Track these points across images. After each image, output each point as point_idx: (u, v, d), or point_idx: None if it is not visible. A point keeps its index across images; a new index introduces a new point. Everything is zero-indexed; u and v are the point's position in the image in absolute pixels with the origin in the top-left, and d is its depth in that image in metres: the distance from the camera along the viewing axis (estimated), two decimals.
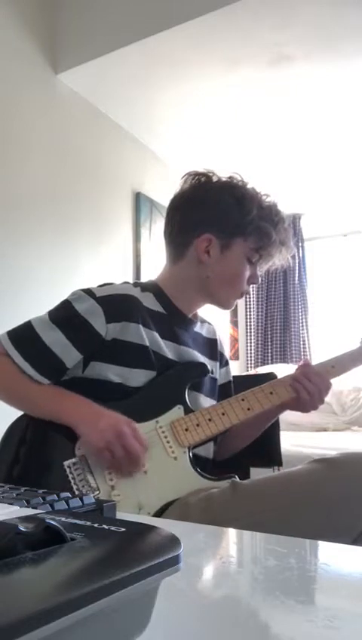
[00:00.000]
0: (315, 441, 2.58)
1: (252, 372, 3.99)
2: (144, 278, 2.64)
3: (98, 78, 2.35)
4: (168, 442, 0.93)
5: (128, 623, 0.22)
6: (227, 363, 1.20)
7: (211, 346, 1.14)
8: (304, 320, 4.14)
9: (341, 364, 1.09)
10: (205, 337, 1.14)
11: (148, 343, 0.96)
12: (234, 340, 4.24)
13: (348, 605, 0.33)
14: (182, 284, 1.06)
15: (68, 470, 0.87)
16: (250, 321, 4.35)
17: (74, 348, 0.93)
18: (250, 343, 4.33)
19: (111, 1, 2.19)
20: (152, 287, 1.05)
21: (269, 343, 4.27)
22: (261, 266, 1.08)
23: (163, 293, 1.05)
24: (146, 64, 2.26)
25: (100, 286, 1.03)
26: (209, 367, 1.04)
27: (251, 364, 4.28)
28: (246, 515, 0.80)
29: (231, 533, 0.53)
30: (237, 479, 0.92)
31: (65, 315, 0.96)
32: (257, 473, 1.21)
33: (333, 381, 1.08)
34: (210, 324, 1.18)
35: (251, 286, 1.08)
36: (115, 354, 0.95)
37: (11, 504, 0.36)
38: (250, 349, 4.32)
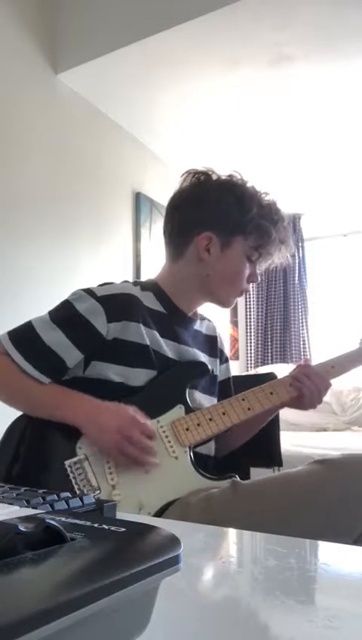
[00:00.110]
0: (315, 441, 2.58)
1: (252, 372, 3.99)
2: (144, 278, 2.65)
3: (98, 78, 2.35)
4: (169, 442, 0.94)
5: (128, 623, 0.22)
6: (227, 360, 1.20)
7: (211, 343, 1.14)
8: (304, 320, 4.14)
9: (340, 365, 1.09)
10: (205, 334, 1.14)
11: (148, 342, 0.96)
12: (234, 340, 4.24)
13: (348, 605, 0.33)
14: (181, 283, 1.06)
15: (69, 469, 0.87)
16: (250, 321, 4.35)
17: (75, 347, 0.93)
18: (250, 343, 4.33)
19: (111, 1, 2.19)
20: (152, 286, 1.05)
21: (269, 343, 4.27)
22: (260, 264, 1.08)
23: (163, 292, 1.05)
24: (146, 64, 2.26)
25: (100, 285, 1.03)
26: (209, 364, 1.05)
27: (251, 364, 4.28)
28: (247, 515, 0.80)
29: (231, 533, 0.53)
30: (238, 479, 0.92)
31: (66, 315, 0.96)
32: (257, 473, 1.21)
33: (333, 381, 1.08)
34: (209, 320, 1.18)
35: (251, 284, 1.08)
36: (116, 353, 0.95)
37: (11, 504, 0.36)
38: (250, 349, 4.32)
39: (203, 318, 1.16)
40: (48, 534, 0.23)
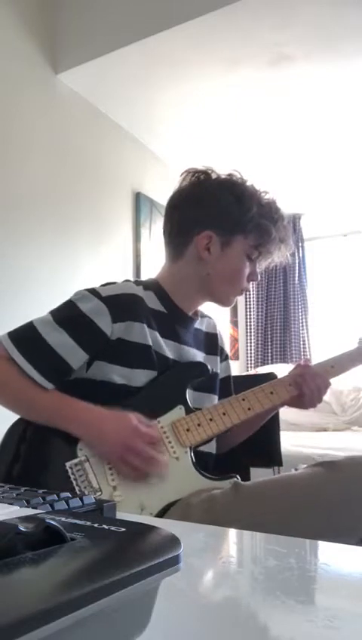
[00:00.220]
0: (315, 441, 2.58)
1: (252, 372, 3.99)
2: (144, 278, 2.64)
3: (98, 78, 2.35)
4: (170, 442, 0.93)
5: (128, 623, 0.22)
6: (227, 357, 1.20)
7: (211, 341, 1.14)
8: (304, 320, 4.14)
9: (340, 364, 1.09)
10: (205, 332, 1.14)
11: (151, 343, 0.96)
12: (234, 340, 4.24)
13: (348, 605, 0.33)
14: (182, 283, 1.05)
15: (70, 471, 0.87)
16: (250, 321, 4.35)
17: (80, 348, 0.92)
18: (250, 343, 4.33)
19: (111, 1, 2.19)
20: (153, 286, 1.05)
21: (269, 343, 4.27)
22: (260, 263, 1.08)
23: (164, 291, 1.05)
24: (146, 64, 2.26)
25: (103, 285, 1.02)
26: (209, 362, 1.05)
27: (251, 364, 4.28)
28: (248, 516, 0.80)
29: (231, 533, 0.53)
30: (239, 480, 0.92)
31: (69, 316, 0.95)
32: (257, 473, 1.21)
33: (333, 381, 1.08)
34: (210, 318, 1.18)
35: (251, 283, 1.08)
36: (119, 354, 0.94)
37: (11, 504, 0.36)
38: (250, 349, 4.32)
39: (203, 316, 1.16)
40: (48, 534, 0.23)
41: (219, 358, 1.15)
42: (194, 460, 0.94)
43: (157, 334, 0.99)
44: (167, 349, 1.00)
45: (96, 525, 0.26)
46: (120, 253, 2.74)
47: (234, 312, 4.22)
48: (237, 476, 0.94)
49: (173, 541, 0.24)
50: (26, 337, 0.93)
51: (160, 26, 2.05)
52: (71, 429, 0.89)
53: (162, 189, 2.98)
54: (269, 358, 4.25)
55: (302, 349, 4.11)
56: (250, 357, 4.31)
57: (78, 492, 0.85)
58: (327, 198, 3.71)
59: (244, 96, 2.52)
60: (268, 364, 4.16)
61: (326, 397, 1.08)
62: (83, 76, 2.33)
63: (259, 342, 4.31)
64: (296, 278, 4.18)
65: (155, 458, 0.87)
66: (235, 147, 2.96)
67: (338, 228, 4.16)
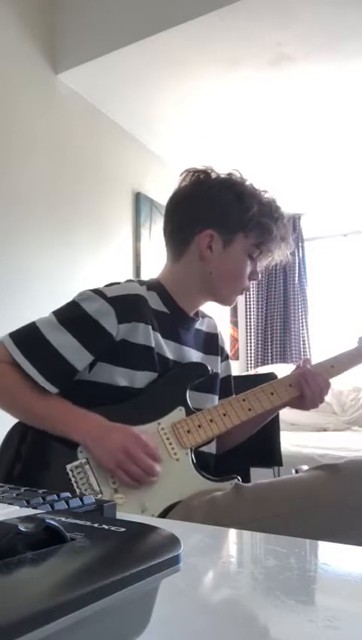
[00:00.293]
0: (315, 441, 2.58)
1: (252, 372, 3.99)
2: (144, 278, 2.65)
3: (98, 78, 2.35)
4: (170, 444, 0.93)
5: (128, 623, 0.22)
6: (227, 357, 1.20)
7: (212, 341, 1.14)
8: (304, 320, 4.14)
9: (340, 364, 1.09)
10: (205, 332, 1.14)
11: (154, 345, 0.96)
12: (234, 340, 4.24)
13: (348, 605, 0.33)
14: (183, 282, 1.05)
15: (70, 473, 0.87)
16: (250, 321, 4.35)
17: (85, 350, 0.91)
18: (250, 343, 4.33)
19: (111, 2, 2.19)
20: (156, 286, 1.04)
21: (269, 343, 4.27)
22: (261, 261, 1.08)
23: (166, 292, 1.05)
24: (146, 64, 2.26)
25: (107, 286, 1.01)
26: (209, 363, 1.04)
27: (251, 364, 4.28)
28: (249, 519, 0.80)
29: (231, 533, 0.53)
30: (240, 481, 0.92)
31: (73, 316, 0.94)
32: (257, 473, 1.21)
33: (333, 381, 1.08)
34: (210, 317, 1.18)
35: (251, 282, 1.08)
36: (122, 355, 0.94)
37: (11, 504, 0.36)
38: (250, 349, 4.32)
39: (204, 316, 1.15)
40: (48, 534, 0.23)
41: (219, 358, 1.15)
42: (195, 461, 0.94)
43: (159, 335, 0.99)
44: (168, 349, 1.00)
45: (96, 525, 0.26)
46: (120, 253, 2.74)
47: (234, 312, 4.22)
48: (238, 477, 0.93)
49: (173, 541, 0.24)
50: (29, 339, 0.92)
51: (160, 26, 2.05)
52: (72, 436, 0.88)
53: (162, 189, 2.98)
54: (269, 358, 4.25)
55: (302, 349, 4.11)
56: (250, 357, 4.31)
57: (78, 494, 0.85)
58: (327, 198, 3.71)
59: (244, 96, 2.52)
60: (268, 364, 4.16)
61: (327, 397, 1.08)
62: (83, 76, 2.33)
63: (259, 342, 4.31)
64: (296, 278, 4.18)
65: (153, 468, 0.86)
66: (235, 147, 2.96)
67: (338, 228, 4.16)
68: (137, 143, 2.92)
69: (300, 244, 4.13)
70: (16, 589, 0.18)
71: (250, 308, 4.35)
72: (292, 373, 1.07)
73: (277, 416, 1.20)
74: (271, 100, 2.55)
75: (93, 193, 2.54)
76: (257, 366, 4.20)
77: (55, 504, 0.39)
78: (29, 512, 0.32)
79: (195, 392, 1.02)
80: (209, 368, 1.02)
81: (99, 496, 0.85)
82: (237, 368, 4.17)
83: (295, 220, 4.00)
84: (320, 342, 4.10)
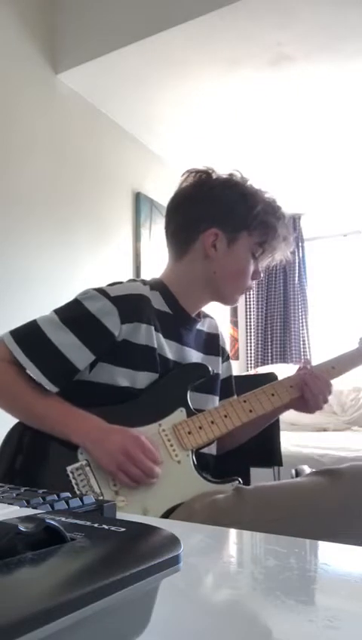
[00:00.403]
0: (315, 441, 2.58)
1: (252, 372, 3.99)
2: (146, 278, 2.65)
3: (98, 78, 2.35)
4: (171, 446, 0.92)
5: (128, 623, 0.22)
6: (228, 357, 1.20)
7: (213, 341, 1.14)
8: (304, 320, 4.14)
9: (341, 365, 1.09)
10: (207, 333, 1.14)
11: (156, 345, 0.96)
12: (234, 340, 4.24)
13: (348, 605, 0.33)
14: (187, 282, 1.05)
15: (71, 475, 0.86)
16: (250, 321, 4.35)
17: (87, 349, 0.91)
18: (250, 343, 4.33)
19: (111, 2, 2.19)
20: (159, 286, 1.04)
21: (269, 343, 4.27)
22: (262, 261, 1.08)
23: (169, 292, 1.04)
24: (146, 64, 2.26)
25: (110, 285, 1.01)
26: (210, 363, 1.04)
27: (251, 364, 4.28)
28: (250, 523, 0.79)
29: (231, 533, 0.53)
30: (241, 483, 0.91)
31: (76, 315, 0.93)
32: (257, 473, 1.21)
33: (333, 381, 1.08)
34: (211, 318, 1.18)
35: (253, 282, 1.08)
36: (123, 355, 0.93)
37: (11, 504, 0.36)
38: (250, 349, 4.32)
39: (205, 316, 1.15)
40: (48, 534, 0.23)
41: (220, 358, 1.15)
42: (196, 463, 0.94)
43: (161, 336, 0.98)
44: (169, 350, 0.99)
45: (96, 525, 0.26)
46: (120, 253, 2.74)
47: (234, 312, 4.22)
48: (239, 479, 0.93)
49: (173, 541, 0.24)
50: (30, 337, 0.92)
51: (160, 26, 2.05)
52: (72, 438, 0.88)
53: (162, 189, 2.98)
54: (269, 358, 4.25)
55: (302, 349, 4.11)
56: (250, 357, 4.31)
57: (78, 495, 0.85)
58: (327, 198, 3.71)
59: (244, 96, 2.52)
60: (268, 364, 4.16)
61: None
62: (83, 76, 2.33)
63: (259, 342, 4.31)
64: (296, 278, 4.18)
65: (153, 470, 0.86)
66: (235, 147, 2.97)
67: (339, 228, 4.16)
68: (137, 143, 2.92)
69: (300, 244, 4.13)
70: (16, 589, 0.18)
71: (249, 308, 4.35)
72: (293, 374, 1.07)
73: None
74: (271, 100, 2.55)
75: (93, 193, 2.54)
76: (257, 366, 4.20)
77: (55, 504, 0.39)
78: (29, 512, 0.32)
79: (196, 393, 1.02)
80: (210, 369, 1.01)
81: (101, 498, 0.85)
82: (237, 368, 4.17)
83: (295, 219, 4.00)
84: (320, 342, 4.10)
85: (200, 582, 0.38)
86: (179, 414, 0.95)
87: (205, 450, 1.02)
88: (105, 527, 0.26)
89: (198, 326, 1.11)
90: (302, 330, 4.13)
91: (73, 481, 0.86)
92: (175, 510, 0.88)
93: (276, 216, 1.04)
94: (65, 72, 2.30)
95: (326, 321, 4.18)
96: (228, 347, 1.21)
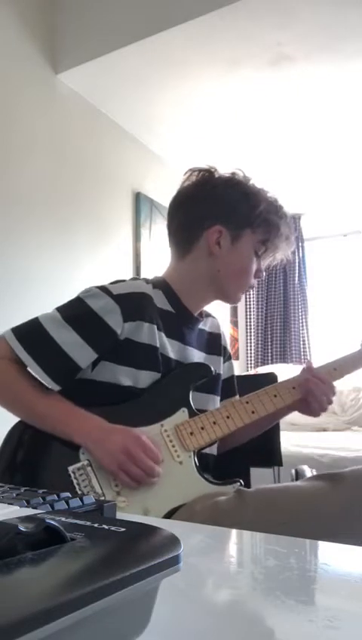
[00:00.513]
0: (315, 441, 2.58)
1: (252, 372, 3.99)
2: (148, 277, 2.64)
3: (98, 78, 2.35)
4: (173, 446, 0.92)
5: (128, 623, 0.22)
6: (230, 357, 1.20)
7: (215, 341, 1.14)
8: (304, 320, 4.14)
9: (343, 367, 1.09)
10: (208, 332, 1.13)
11: (158, 345, 0.95)
12: (234, 340, 4.24)
13: (348, 605, 0.33)
14: (190, 280, 1.05)
15: (72, 475, 0.86)
16: (250, 321, 4.35)
17: (89, 347, 0.90)
18: (250, 343, 4.33)
19: (111, 2, 2.19)
20: (162, 285, 1.04)
21: (269, 343, 4.27)
22: (265, 259, 1.08)
23: (172, 290, 1.04)
24: (146, 64, 2.26)
25: (112, 283, 1.00)
26: (212, 363, 1.04)
27: (251, 364, 4.28)
28: (251, 525, 0.79)
29: (231, 533, 0.53)
30: (242, 485, 0.91)
31: (78, 313, 0.93)
32: (257, 473, 1.21)
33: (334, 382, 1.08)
34: (213, 317, 1.18)
35: (256, 280, 1.09)
36: (126, 354, 0.93)
37: (11, 504, 0.36)
38: (250, 349, 4.32)
39: (207, 315, 1.15)
40: (48, 534, 0.23)
41: (222, 358, 1.14)
42: (197, 464, 0.93)
43: (163, 335, 0.98)
44: (171, 349, 0.99)
45: (96, 525, 0.26)
46: (120, 253, 2.74)
47: (234, 312, 4.22)
48: (241, 481, 0.93)
49: (173, 541, 0.24)
50: (32, 334, 0.91)
51: (160, 26, 2.05)
52: (73, 438, 0.87)
53: (162, 189, 2.98)
54: (269, 358, 4.25)
55: (302, 349, 4.11)
56: (250, 357, 4.31)
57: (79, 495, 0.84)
58: (327, 198, 3.71)
59: (244, 96, 2.52)
60: (268, 364, 4.16)
61: None
62: (83, 76, 2.33)
63: (259, 342, 4.31)
64: (296, 278, 4.18)
65: (153, 469, 0.86)
66: (235, 147, 2.97)
67: (338, 228, 4.16)
68: (137, 143, 2.92)
69: (300, 244, 4.13)
70: (16, 589, 0.18)
71: (250, 308, 4.35)
72: (296, 376, 1.07)
73: None
74: (271, 100, 2.55)
75: (93, 193, 2.54)
76: (257, 366, 4.20)
77: (55, 504, 0.39)
78: (29, 512, 0.32)
79: (196, 393, 1.02)
80: (212, 369, 1.01)
81: (102, 498, 0.85)
82: (237, 368, 4.16)
83: (295, 219, 4.00)
84: (320, 342, 4.10)
85: (201, 582, 0.38)
86: (182, 415, 0.95)
87: (206, 451, 1.02)
88: (105, 527, 0.26)
89: (200, 325, 1.10)
90: (302, 330, 4.13)
91: (75, 481, 0.85)
92: (176, 511, 0.88)
93: (278, 214, 1.04)
94: (65, 72, 2.30)
95: (326, 321, 4.18)
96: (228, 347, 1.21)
